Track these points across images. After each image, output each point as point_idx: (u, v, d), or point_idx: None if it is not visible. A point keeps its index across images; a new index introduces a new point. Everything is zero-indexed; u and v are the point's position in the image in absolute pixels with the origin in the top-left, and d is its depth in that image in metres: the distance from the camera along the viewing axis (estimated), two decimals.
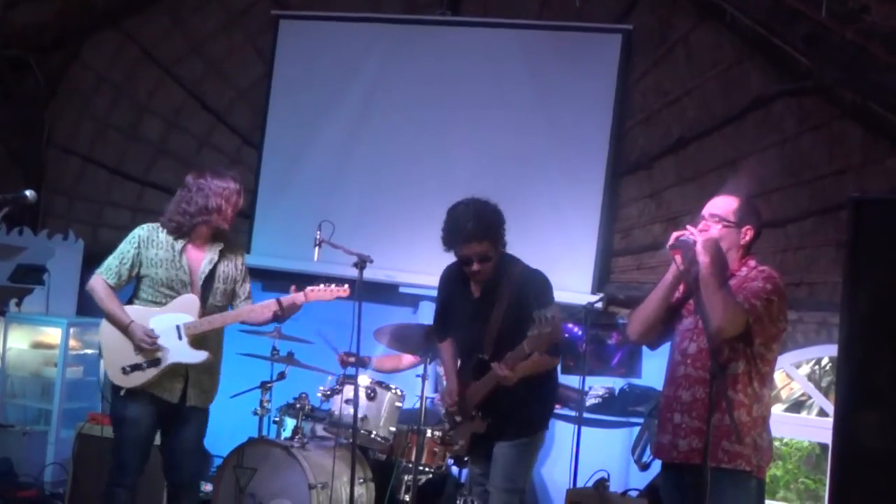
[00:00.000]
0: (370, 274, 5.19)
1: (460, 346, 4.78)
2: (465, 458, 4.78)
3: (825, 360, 6.44)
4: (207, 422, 4.87)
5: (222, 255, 4.79)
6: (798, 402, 6.74)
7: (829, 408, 5.84)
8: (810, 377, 6.39)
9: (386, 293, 6.74)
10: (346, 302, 4.94)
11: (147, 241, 4.67)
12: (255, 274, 7.01)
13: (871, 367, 3.52)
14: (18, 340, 6.95)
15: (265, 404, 5.67)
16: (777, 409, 6.26)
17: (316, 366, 5.87)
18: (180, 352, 4.63)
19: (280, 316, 4.80)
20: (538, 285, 4.61)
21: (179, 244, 4.68)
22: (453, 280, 4.85)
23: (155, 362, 4.60)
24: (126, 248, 4.68)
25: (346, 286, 4.90)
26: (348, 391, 5.41)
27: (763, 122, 6.39)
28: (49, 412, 6.71)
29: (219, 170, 4.82)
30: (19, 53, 7.74)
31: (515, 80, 6.85)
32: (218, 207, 4.65)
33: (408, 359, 6.19)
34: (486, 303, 4.61)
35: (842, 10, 5.21)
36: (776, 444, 6.37)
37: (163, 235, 4.69)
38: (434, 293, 6.62)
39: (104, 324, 4.71)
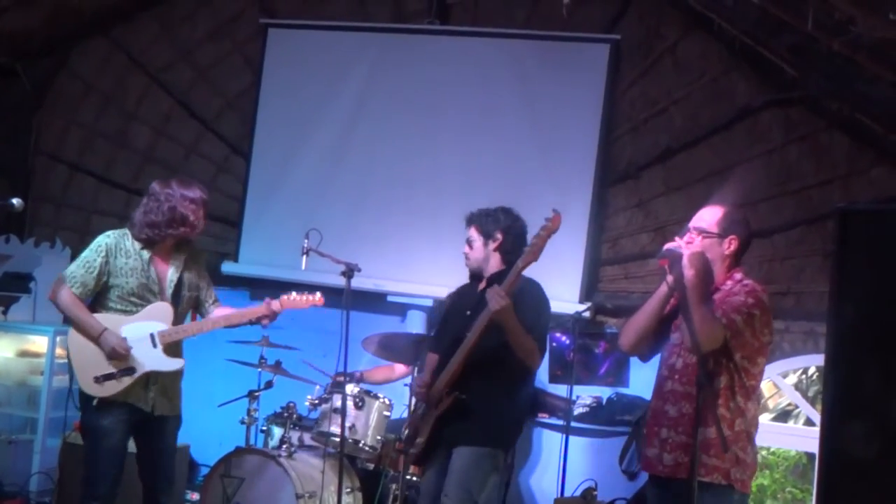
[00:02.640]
0: (358, 282, 5.20)
1: (450, 348, 4.68)
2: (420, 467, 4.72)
3: (812, 370, 6.46)
4: (180, 425, 4.82)
5: (186, 263, 4.77)
6: (785, 411, 6.76)
7: (816, 417, 5.85)
8: (797, 386, 6.41)
9: (374, 302, 6.73)
10: (334, 310, 4.93)
11: (115, 249, 4.61)
12: (243, 282, 7.07)
13: (857, 377, 3.52)
14: (4, 349, 6.91)
15: (253, 413, 5.66)
16: (764, 419, 6.27)
17: (304, 375, 5.87)
18: (155, 360, 4.59)
19: (257, 323, 4.79)
20: (535, 294, 4.64)
21: (147, 253, 4.63)
22: (465, 288, 4.89)
23: (129, 371, 4.54)
24: (92, 256, 4.60)
25: (319, 294, 4.89)
26: (336, 400, 5.41)
27: (750, 132, 6.41)
28: (35, 421, 6.67)
29: (184, 179, 4.80)
30: (6, 60, 7.70)
31: (503, 89, 6.86)
32: (185, 218, 4.62)
33: (399, 369, 6.18)
34: (483, 301, 4.52)
35: (828, 22, 5.22)
36: (763, 453, 6.40)
37: (129, 243, 4.64)
38: (421, 302, 6.69)
39: (72, 333, 4.62)
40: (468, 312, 4.57)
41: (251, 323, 4.78)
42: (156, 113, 7.83)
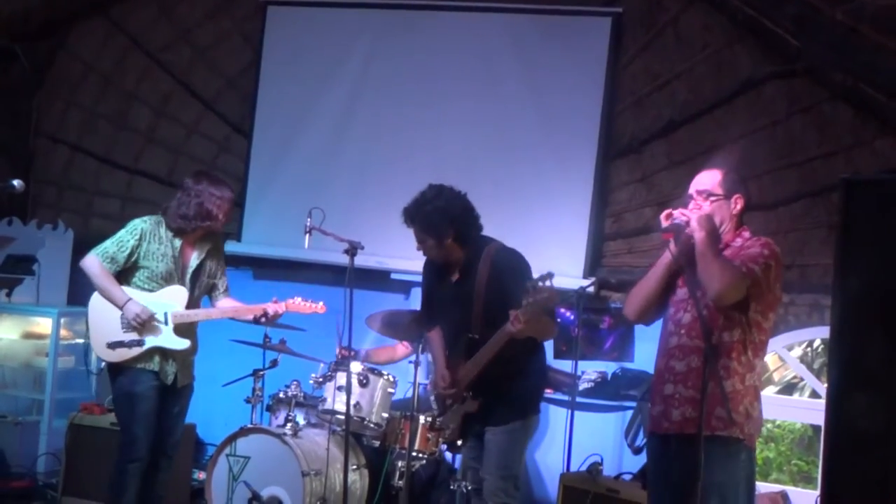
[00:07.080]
0: (361, 260, 5.17)
1: (447, 331, 4.77)
2: (459, 443, 4.76)
3: (817, 342, 6.44)
4: (192, 392, 5.17)
5: (209, 253, 5.13)
6: (790, 384, 6.74)
7: (822, 389, 5.84)
8: (802, 359, 6.39)
9: (377, 280, 6.73)
10: (338, 288, 4.95)
11: (150, 234, 4.96)
12: (246, 261, 7.06)
13: (862, 349, 3.52)
14: (9, 331, 6.94)
15: (257, 392, 5.68)
16: (769, 392, 6.27)
17: (308, 353, 5.87)
18: (165, 337, 4.92)
19: (261, 322, 5.22)
20: (512, 261, 4.61)
21: (178, 242, 4.99)
22: (433, 267, 4.85)
23: (138, 342, 4.86)
24: (126, 237, 4.93)
25: (322, 303, 5.34)
26: (340, 378, 5.41)
27: (753, 104, 6.37)
28: (41, 402, 6.71)
29: (216, 177, 5.16)
30: (5, 42, 7.69)
31: (505, 64, 6.82)
32: (210, 213, 4.97)
33: (402, 350, 6.20)
34: (464, 285, 4.60)
35: None
36: (768, 425, 6.39)
37: (163, 230, 4.98)
38: None
39: (95, 298, 4.95)
40: (458, 305, 4.59)
41: (255, 321, 5.21)
42: (156, 93, 7.81)
